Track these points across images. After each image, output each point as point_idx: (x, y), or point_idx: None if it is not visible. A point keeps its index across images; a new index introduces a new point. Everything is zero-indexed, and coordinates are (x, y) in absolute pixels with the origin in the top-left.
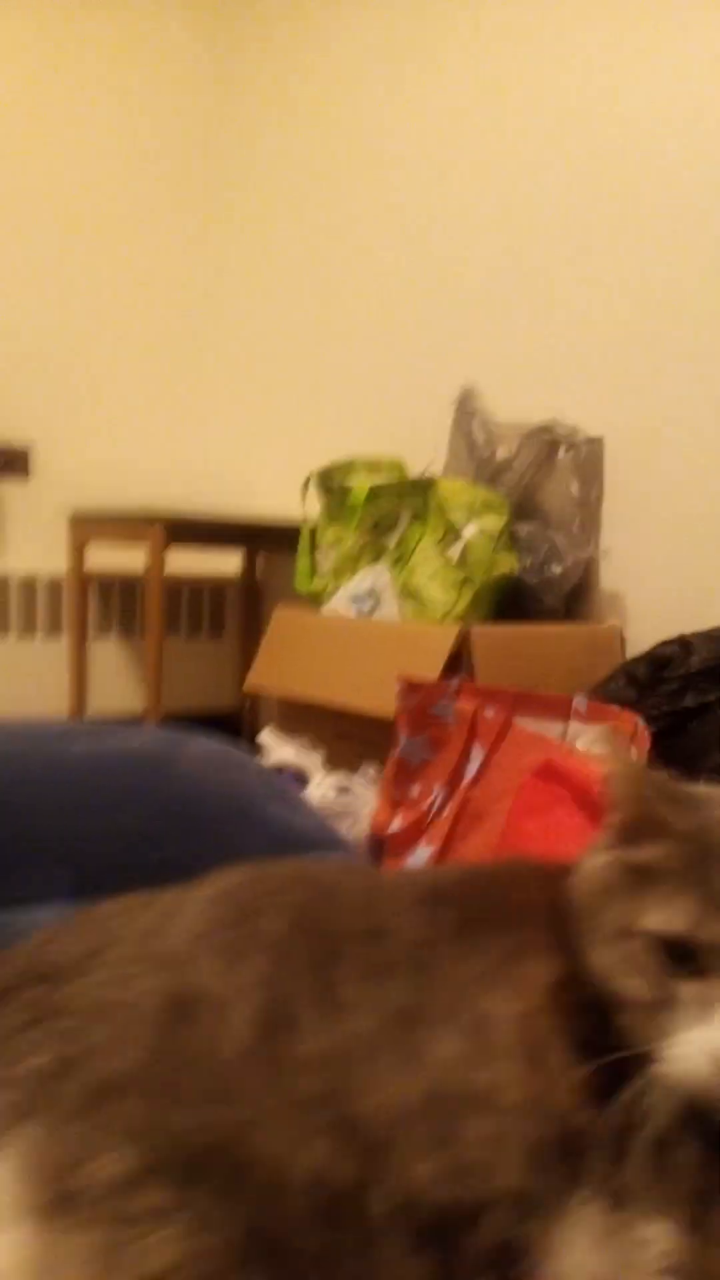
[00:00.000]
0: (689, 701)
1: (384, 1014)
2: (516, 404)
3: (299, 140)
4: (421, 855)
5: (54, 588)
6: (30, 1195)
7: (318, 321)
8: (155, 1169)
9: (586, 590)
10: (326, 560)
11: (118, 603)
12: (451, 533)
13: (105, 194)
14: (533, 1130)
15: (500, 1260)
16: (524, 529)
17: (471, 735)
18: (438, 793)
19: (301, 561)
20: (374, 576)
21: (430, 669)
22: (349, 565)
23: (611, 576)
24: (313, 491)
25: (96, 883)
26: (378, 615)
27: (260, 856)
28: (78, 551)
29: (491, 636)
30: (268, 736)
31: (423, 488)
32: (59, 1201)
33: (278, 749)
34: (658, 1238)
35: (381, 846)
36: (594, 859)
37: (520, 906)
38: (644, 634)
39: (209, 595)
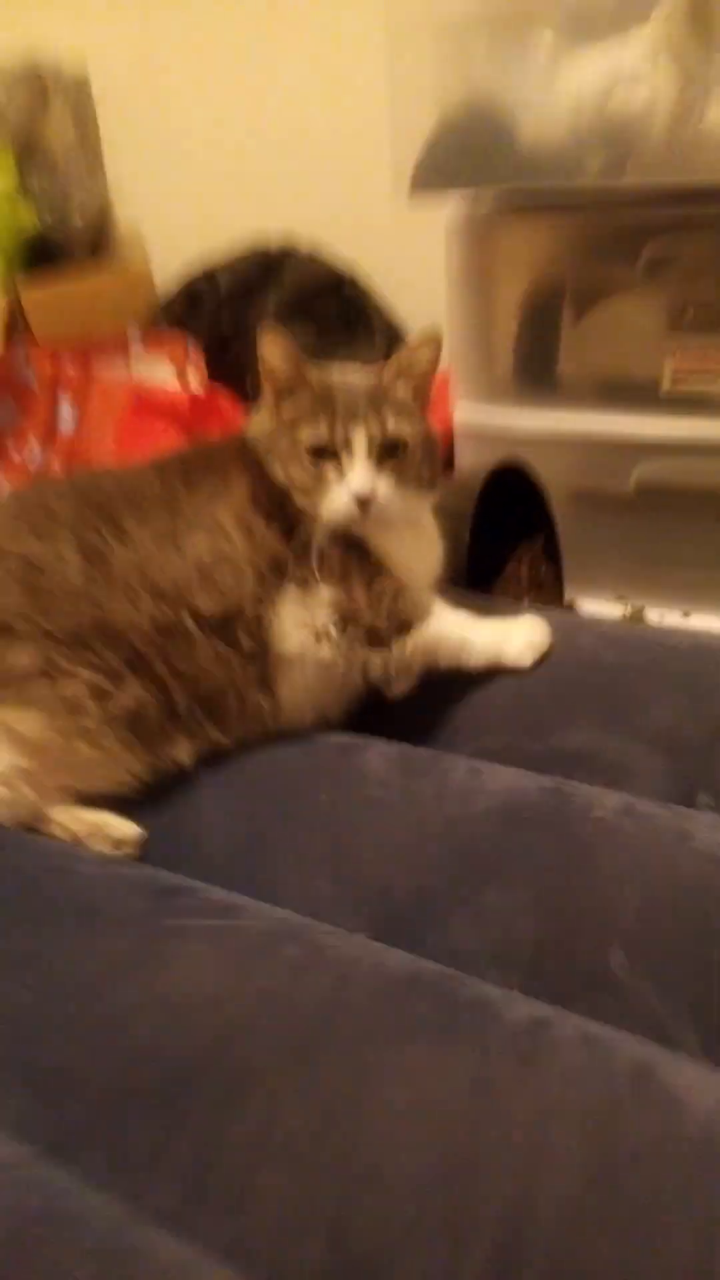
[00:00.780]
0: (224, 326)
1: (157, 533)
2: None
3: None
4: None
5: None
6: None
7: None
8: (50, 652)
9: (107, 235)
10: None
11: None
12: None
13: None
14: (255, 561)
15: (256, 629)
16: (34, 180)
17: (56, 390)
18: (35, 449)
19: None
20: None
21: None
22: None
23: (128, 217)
24: None
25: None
26: None
27: None
28: None
29: (39, 297)
30: None
31: None
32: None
33: None
34: (326, 595)
35: None
36: (260, 414)
37: (219, 456)
38: (170, 270)
39: None
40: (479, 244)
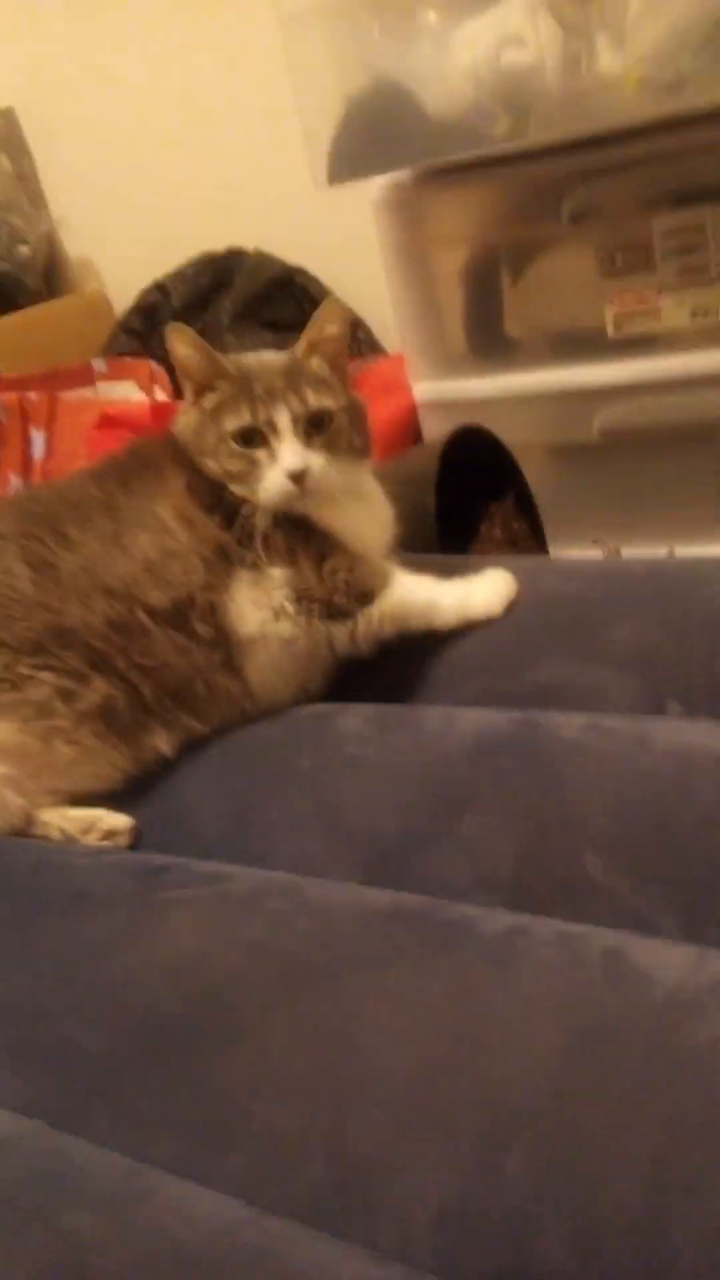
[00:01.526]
0: None
1: (100, 536)
2: None
3: None
4: None
5: None
6: None
7: None
8: (10, 661)
9: (58, 265)
10: None
11: None
12: None
13: None
14: (200, 551)
15: (211, 616)
16: None
17: (25, 421)
18: (14, 481)
19: None
20: None
21: None
22: None
23: (75, 246)
24: None
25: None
26: None
27: None
28: None
29: None
30: None
31: None
32: None
33: None
34: (277, 575)
35: None
36: (186, 413)
37: (151, 457)
38: (124, 292)
39: None
40: (406, 221)
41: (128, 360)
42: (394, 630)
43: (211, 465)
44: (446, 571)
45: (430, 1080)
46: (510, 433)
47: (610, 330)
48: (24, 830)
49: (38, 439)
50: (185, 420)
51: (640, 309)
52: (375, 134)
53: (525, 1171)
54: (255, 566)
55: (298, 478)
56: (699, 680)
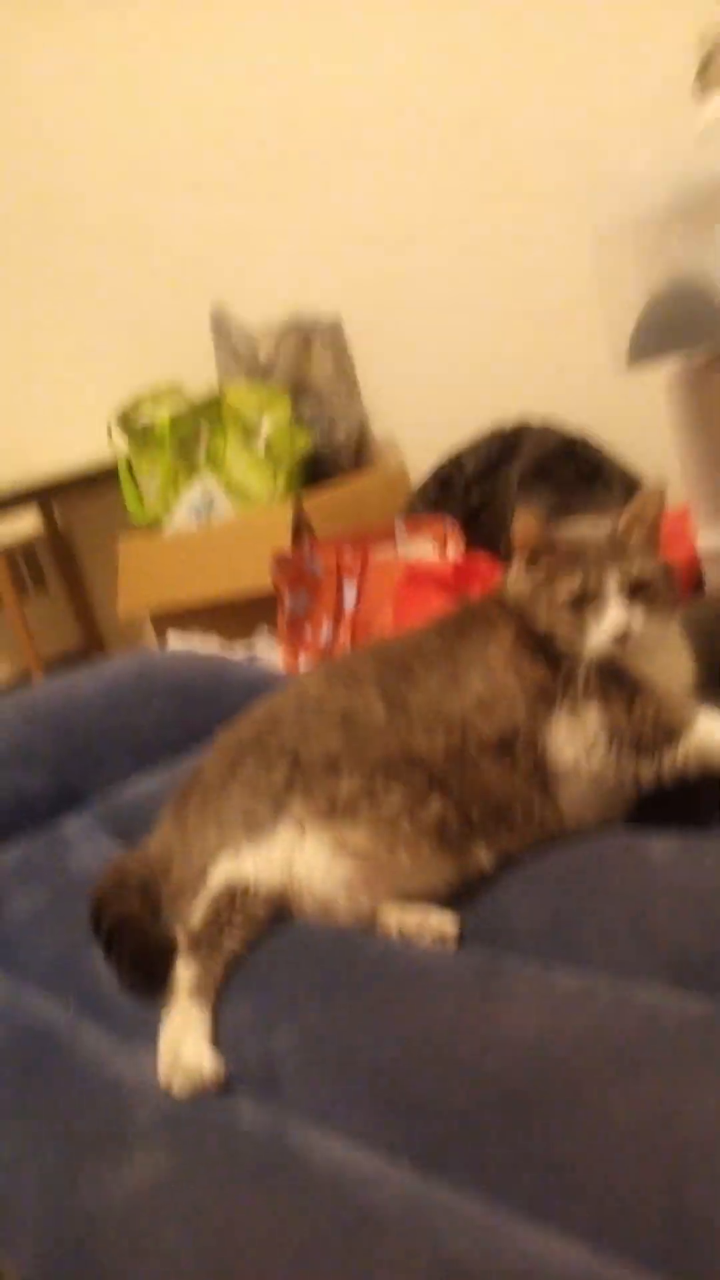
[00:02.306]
0: (474, 501)
1: (441, 677)
2: (261, 308)
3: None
4: None
5: None
6: (315, 814)
7: (69, 277)
8: (369, 778)
9: (367, 443)
10: (149, 488)
11: None
12: (251, 432)
13: None
14: (525, 692)
15: (532, 749)
16: (304, 409)
17: (340, 576)
18: (327, 627)
19: (129, 495)
20: (202, 486)
21: (282, 542)
22: (171, 486)
23: (381, 427)
24: (116, 433)
25: (152, 757)
26: (214, 517)
27: (241, 703)
28: None
29: (316, 502)
30: (173, 641)
31: (215, 402)
32: (331, 812)
33: (181, 646)
34: (592, 715)
35: None
36: (515, 578)
37: (483, 611)
38: (422, 464)
39: (21, 556)
40: (697, 393)
41: (424, 519)
42: (698, 766)
43: (541, 622)
44: None
45: None
46: None
47: None
48: (367, 922)
49: (350, 591)
50: (517, 585)
51: None
52: (674, 324)
53: None
54: (573, 706)
55: (622, 637)
56: None
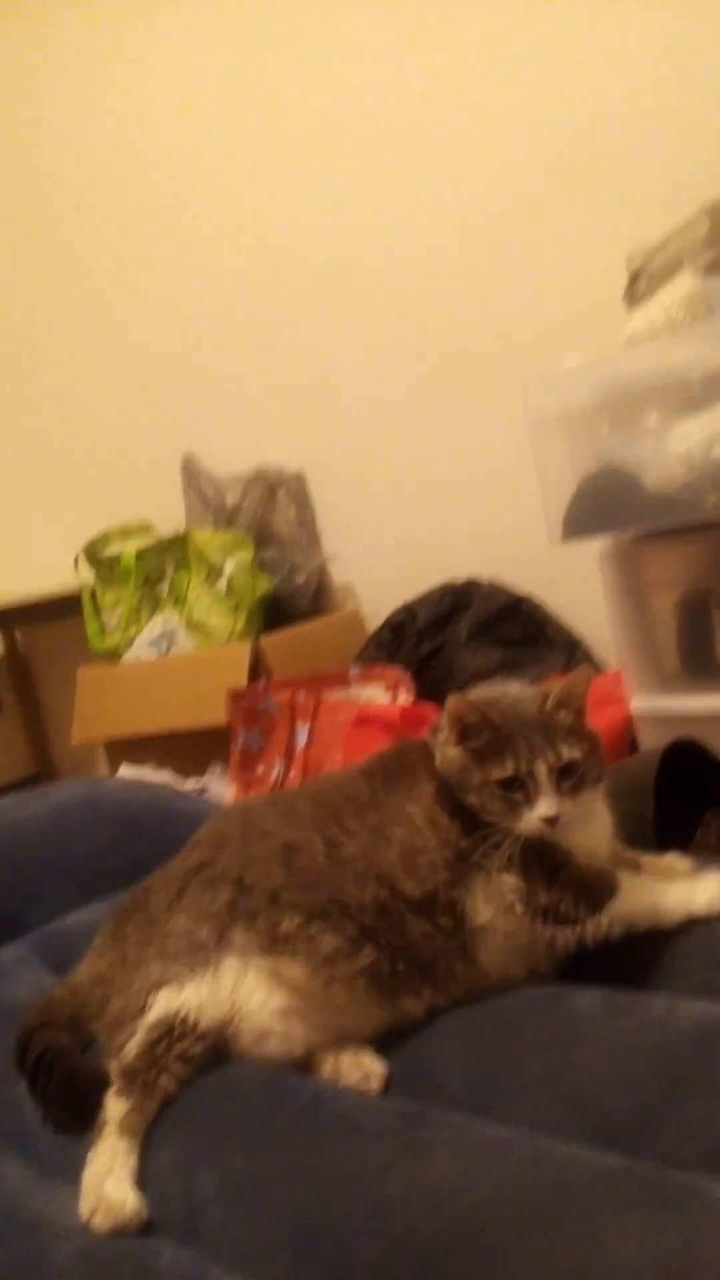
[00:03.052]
0: (425, 649)
1: (370, 827)
2: (229, 458)
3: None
4: None
5: None
6: (256, 945)
7: (46, 413)
8: (307, 919)
9: (325, 589)
10: (111, 619)
11: None
12: (214, 572)
13: None
14: (443, 853)
15: (451, 909)
16: (266, 554)
17: (293, 716)
18: (279, 765)
19: (90, 625)
20: (163, 622)
21: (239, 679)
22: (133, 619)
23: (340, 574)
24: (82, 563)
25: (95, 886)
26: (174, 652)
27: (188, 835)
28: None
29: (274, 642)
30: (125, 772)
31: (180, 542)
32: (271, 945)
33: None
34: (511, 881)
35: None
36: (448, 749)
37: (409, 761)
38: (378, 610)
39: None
40: (626, 568)
41: (378, 667)
42: (621, 932)
43: (472, 800)
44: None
45: None
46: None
47: None
48: (301, 1060)
49: (302, 731)
50: (449, 756)
51: None
52: (602, 505)
53: None
54: (488, 872)
55: (551, 821)
56: None
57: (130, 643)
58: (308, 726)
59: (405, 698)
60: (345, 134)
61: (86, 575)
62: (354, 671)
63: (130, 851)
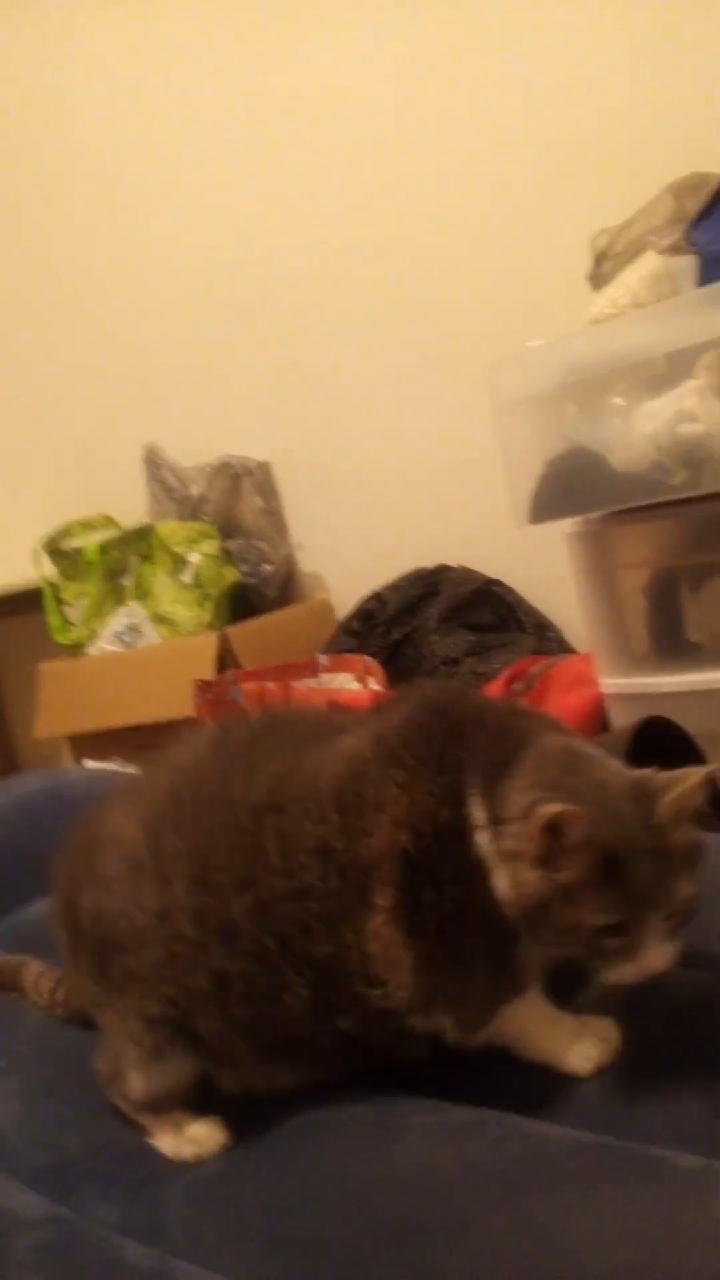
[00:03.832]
0: (395, 636)
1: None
2: (193, 448)
3: None
4: None
5: None
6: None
7: (1, 403)
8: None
9: (294, 578)
10: (75, 613)
11: None
12: (179, 563)
13: None
14: None
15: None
16: (233, 544)
17: (262, 705)
18: None
19: (53, 619)
20: (128, 614)
21: (206, 670)
22: (96, 612)
23: (309, 563)
24: (43, 557)
25: None
26: (140, 644)
27: None
28: None
29: (242, 633)
30: (89, 766)
31: (144, 534)
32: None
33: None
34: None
35: None
36: (522, 871)
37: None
38: (347, 599)
39: None
40: (593, 550)
41: (347, 656)
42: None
43: (544, 936)
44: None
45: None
46: (694, 724)
47: None
48: None
49: None
50: (524, 881)
51: None
52: (570, 487)
53: None
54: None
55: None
56: None
57: (95, 636)
58: None
59: (376, 684)
60: (308, 124)
61: (47, 568)
62: (323, 660)
63: None
